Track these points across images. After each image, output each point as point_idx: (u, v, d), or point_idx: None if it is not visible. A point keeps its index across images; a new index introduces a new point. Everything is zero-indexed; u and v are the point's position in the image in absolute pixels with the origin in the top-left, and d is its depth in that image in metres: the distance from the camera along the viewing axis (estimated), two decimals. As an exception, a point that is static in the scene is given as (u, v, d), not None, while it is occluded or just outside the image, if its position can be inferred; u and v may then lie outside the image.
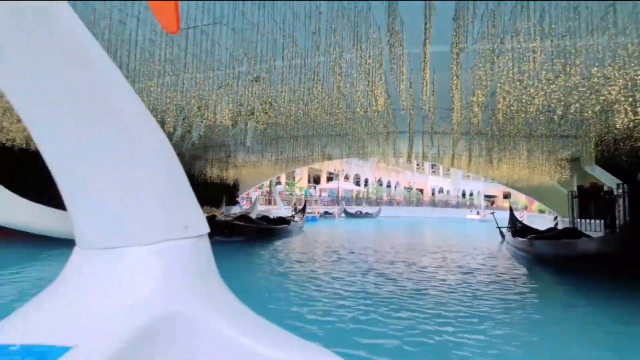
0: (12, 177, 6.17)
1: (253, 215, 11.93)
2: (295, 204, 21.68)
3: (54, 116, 0.77)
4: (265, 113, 6.37)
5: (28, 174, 6.46)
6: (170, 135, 6.96)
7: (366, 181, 35.30)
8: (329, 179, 31.95)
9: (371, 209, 27.68)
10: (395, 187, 37.48)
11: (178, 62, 5.27)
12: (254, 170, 14.59)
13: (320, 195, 29.22)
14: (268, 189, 24.84)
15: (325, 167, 27.85)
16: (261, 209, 17.67)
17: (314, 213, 22.30)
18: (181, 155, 10.32)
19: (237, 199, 18.00)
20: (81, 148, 0.80)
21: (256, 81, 5.73)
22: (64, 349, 0.64)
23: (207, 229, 0.95)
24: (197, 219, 0.92)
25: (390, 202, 32.46)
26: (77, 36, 0.76)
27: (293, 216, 13.48)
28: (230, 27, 4.67)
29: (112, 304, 0.77)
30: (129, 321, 0.74)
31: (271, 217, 12.28)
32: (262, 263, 6.39)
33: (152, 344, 0.74)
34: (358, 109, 6.06)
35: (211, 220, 9.09)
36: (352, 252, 7.49)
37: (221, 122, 6.37)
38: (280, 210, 18.75)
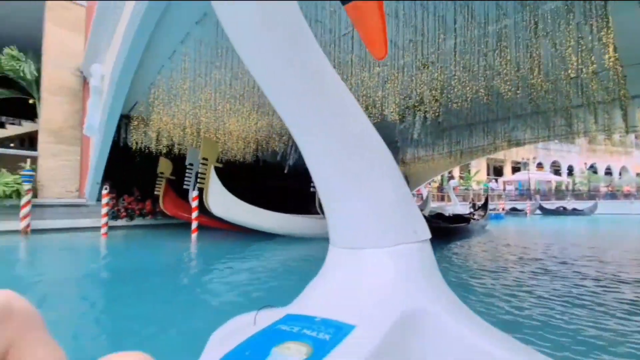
0: (233, 185, 7.86)
1: (425, 213, 11.17)
2: (473, 200, 19.36)
3: (316, 141, 0.99)
4: (436, 101, 5.71)
5: (242, 182, 8.55)
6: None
7: (570, 169, 27.90)
8: (515, 169, 27.01)
9: (581, 204, 21.59)
10: (620, 173, 27.99)
11: (345, 66, 5.38)
12: (423, 166, 13.82)
13: (504, 189, 25.24)
14: (438, 184, 23.21)
15: (510, 156, 23.70)
16: (434, 206, 16.63)
17: (498, 210, 19.64)
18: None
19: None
20: (337, 166, 0.98)
21: (425, 67, 5.19)
22: (351, 327, 0.80)
23: (430, 234, 1.05)
24: (422, 224, 1.03)
25: (612, 195, 24.37)
26: (323, 64, 0.98)
27: (472, 213, 11.91)
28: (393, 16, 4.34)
29: (368, 295, 0.90)
30: (388, 310, 0.85)
31: (446, 214, 11.22)
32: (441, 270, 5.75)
33: (405, 334, 0.83)
34: (566, 73, 4.54)
35: None
36: (564, 262, 5.77)
37: (389, 117, 6.14)
38: (456, 207, 17.12)
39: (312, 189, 8.02)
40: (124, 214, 9.05)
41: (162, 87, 6.79)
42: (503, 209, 20.24)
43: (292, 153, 9.83)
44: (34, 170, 8.12)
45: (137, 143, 8.36)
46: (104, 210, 7.59)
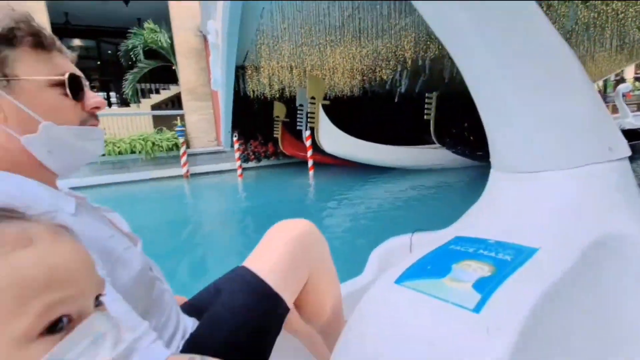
0: (343, 121, 7.86)
1: None
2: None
3: (483, 55, 0.87)
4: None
5: (352, 117, 8.62)
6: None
7: None
8: None
9: None
10: None
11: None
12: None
13: None
14: (600, 91, 18.08)
15: None
16: None
17: None
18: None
19: None
20: (510, 77, 0.86)
21: None
22: (534, 249, 0.75)
23: (629, 152, 0.92)
24: (619, 140, 0.91)
25: None
26: None
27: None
28: None
29: (549, 218, 0.84)
30: (576, 233, 0.79)
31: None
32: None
33: (599, 258, 0.77)
34: None
35: None
36: None
37: None
38: (626, 119, 13.21)
39: (425, 117, 7.36)
40: (252, 157, 10.22)
41: (266, 32, 6.92)
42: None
43: (404, 79, 9.02)
44: (184, 126, 9.81)
45: (253, 91, 9.04)
46: (237, 154, 8.78)
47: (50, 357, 0.27)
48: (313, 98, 7.24)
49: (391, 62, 8.47)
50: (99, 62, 14.68)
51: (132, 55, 11.17)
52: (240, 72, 9.14)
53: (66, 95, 0.58)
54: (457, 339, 0.62)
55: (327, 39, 6.78)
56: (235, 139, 8.68)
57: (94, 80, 14.40)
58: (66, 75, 0.58)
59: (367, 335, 0.71)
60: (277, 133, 9.42)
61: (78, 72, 0.62)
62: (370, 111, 10.67)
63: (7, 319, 0.26)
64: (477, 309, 0.64)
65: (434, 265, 0.80)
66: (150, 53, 11.38)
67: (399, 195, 6.11)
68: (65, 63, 0.61)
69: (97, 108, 0.63)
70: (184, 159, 9.38)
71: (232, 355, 0.60)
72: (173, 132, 9.56)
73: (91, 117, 0.63)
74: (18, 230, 0.30)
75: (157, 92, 12.61)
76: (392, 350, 0.66)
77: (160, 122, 10.28)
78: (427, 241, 1.09)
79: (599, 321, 0.74)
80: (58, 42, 0.60)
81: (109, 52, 14.27)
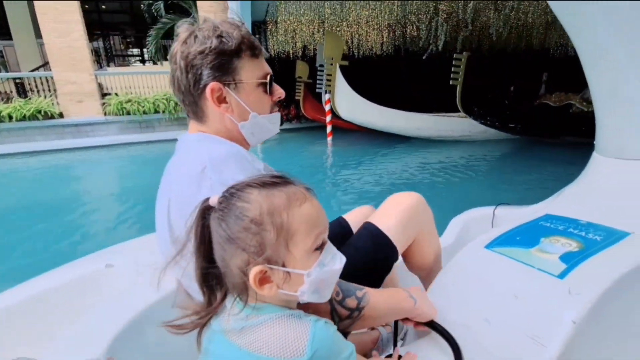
0: (365, 84, 7.20)
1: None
2: None
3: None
4: None
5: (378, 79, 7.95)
6: None
7: None
8: None
9: None
10: None
11: None
12: None
13: None
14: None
15: None
16: None
17: None
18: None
19: None
20: (627, 65, 0.87)
21: None
22: (626, 233, 0.80)
23: None
24: None
25: None
26: None
27: None
28: None
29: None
30: None
31: None
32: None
33: None
34: None
35: (565, 111, 6.60)
36: None
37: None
38: None
39: (452, 82, 6.41)
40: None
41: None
42: None
43: (439, 36, 7.98)
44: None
45: (275, 49, 8.52)
46: None
47: (320, 261, 0.52)
48: (331, 58, 6.60)
49: (422, 16, 7.48)
50: (130, 17, 14.67)
51: (153, 10, 10.94)
52: (261, 27, 8.61)
53: (266, 91, 0.79)
54: (540, 296, 0.69)
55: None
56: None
57: (129, 36, 14.51)
58: (268, 77, 0.78)
59: (457, 284, 0.83)
60: (300, 95, 8.95)
61: (270, 71, 0.81)
62: (398, 73, 9.74)
63: (304, 240, 0.51)
64: (562, 275, 0.70)
65: (523, 237, 0.87)
66: (174, 7, 11.07)
67: (422, 166, 5.65)
68: (265, 65, 0.80)
69: (280, 98, 0.84)
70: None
71: (352, 282, 0.75)
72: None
73: (275, 105, 0.85)
74: (296, 190, 0.53)
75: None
76: (480, 297, 0.76)
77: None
78: (512, 214, 1.22)
79: None
80: (262, 48, 0.79)
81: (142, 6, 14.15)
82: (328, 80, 6.80)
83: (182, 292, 0.78)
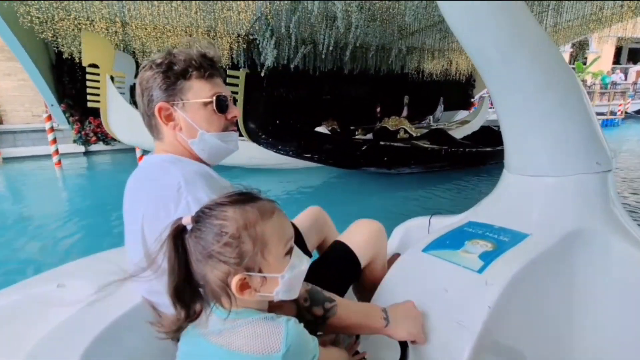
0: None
1: (477, 126, 8.17)
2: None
3: (511, 80, 1.06)
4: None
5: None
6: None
7: None
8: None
9: None
10: None
11: None
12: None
13: (636, 83, 17.46)
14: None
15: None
16: (493, 117, 10.01)
17: (618, 113, 13.47)
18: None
19: (472, 99, 13.04)
20: (525, 102, 1.06)
21: None
22: (526, 235, 1.03)
23: (613, 165, 1.11)
24: (605, 155, 1.09)
25: None
26: None
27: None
28: None
29: (542, 212, 1.10)
30: (559, 226, 1.04)
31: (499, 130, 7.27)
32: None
33: (573, 247, 1.01)
34: None
35: (381, 134, 6.49)
36: None
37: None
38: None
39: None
40: (93, 138, 7.73)
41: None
42: (621, 112, 13.59)
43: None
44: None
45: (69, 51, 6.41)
46: (51, 136, 6.25)
47: (290, 264, 0.61)
48: (94, 66, 5.15)
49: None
50: None
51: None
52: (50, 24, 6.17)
53: (215, 110, 0.84)
54: (464, 288, 0.89)
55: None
56: (45, 115, 6.33)
57: None
58: (214, 98, 0.84)
59: (400, 283, 1.02)
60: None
61: (225, 92, 0.87)
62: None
63: (276, 247, 0.60)
64: (480, 270, 0.91)
65: (451, 241, 1.09)
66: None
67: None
68: (217, 85, 0.85)
69: (234, 117, 0.90)
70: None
71: (325, 289, 0.85)
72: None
73: (231, 124, 0.90)
74: (265, 204, 0.62)
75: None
76: (418, 292, 0.92)
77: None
78: (444, 222, 1.37)
79: (566, 296, 0.99)
80: (213, 70, 0.84)
81: None
82: (96, 94, 5.17)
83: (148, 307, 0.78)
